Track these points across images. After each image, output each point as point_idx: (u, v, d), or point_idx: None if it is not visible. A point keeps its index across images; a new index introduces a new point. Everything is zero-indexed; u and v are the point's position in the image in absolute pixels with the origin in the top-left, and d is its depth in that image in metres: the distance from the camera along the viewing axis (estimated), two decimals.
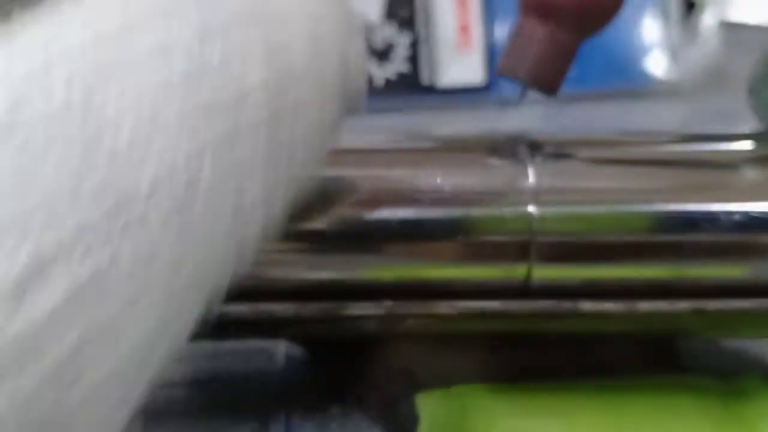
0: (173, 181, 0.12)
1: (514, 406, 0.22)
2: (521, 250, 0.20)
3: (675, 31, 0.40)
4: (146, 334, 0.12)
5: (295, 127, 0.15)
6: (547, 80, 0.21)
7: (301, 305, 0.20)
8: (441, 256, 0.20)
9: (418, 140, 0.22)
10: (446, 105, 0.39)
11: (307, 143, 0.15)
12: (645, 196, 0.20)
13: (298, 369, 0.24)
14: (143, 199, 0.12)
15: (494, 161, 0.20)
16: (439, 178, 0.20)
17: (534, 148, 0.21)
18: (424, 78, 0.39)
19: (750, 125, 0.23)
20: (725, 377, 0.23)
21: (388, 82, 0.39)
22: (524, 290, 0.20)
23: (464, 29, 0.39)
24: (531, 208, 0.20)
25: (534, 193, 0.20)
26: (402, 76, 0.39)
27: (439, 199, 0.20)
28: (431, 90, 0.39)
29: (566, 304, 0.20)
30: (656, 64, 0.40)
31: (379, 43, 0.39)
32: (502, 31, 0.40)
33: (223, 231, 0.13)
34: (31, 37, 0.12)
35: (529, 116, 0.39)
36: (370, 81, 0.39)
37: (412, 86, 0.39)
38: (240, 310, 0.20)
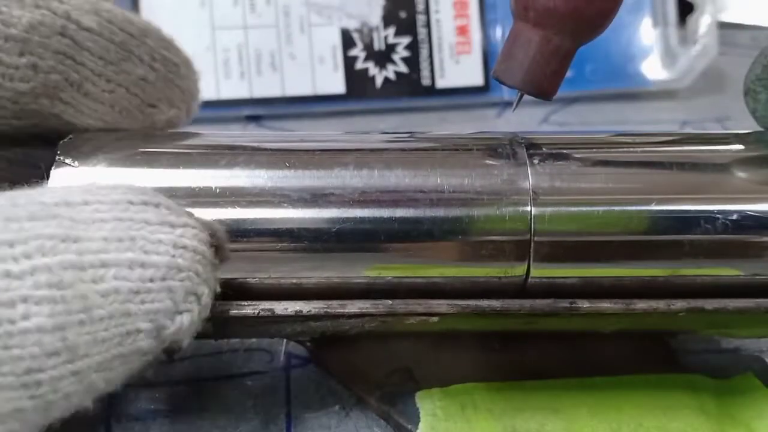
0: None
1: (513, 404, 0.22)
2: (520, 250, 0.20)
3: (672, 32, 0.40)
4: None
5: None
6: (542, 85, 0.21)
7: (302, 304, 0.20)
8: (440, 256, 0.20)
9: (417, 141, 0.22)
10: (445, 106, 0.39)
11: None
12: (642, 197, 0.20)
13: (298, 368, 0.24)
14: None
15: (493, 161, 0.21)
16: (439, 178, 0.20)
17: (532, 148, 0.21)
18: (424, 79, 0.39)
19: (746, 126, 0.23)
20: (721, 375, 0.24)
21: (387, 82, 0.39)
22: (522, 290, 0.21)
23: (463, 30, 0.39)
24: (529, 209, 0.20)
25: (532, 194, 0.20)
26: (401, 77, 0.39)
27: (438, 199, 0.20)
28: (431, 91, 0.39)
29: (564, 304, 0.20)
30: (653, 66, 0.40)
31: (378, 44, 0.39)
32: (500, 33, 0.40)
33: None
34: None
35: (528, 117, 0.39)
36: (371, 81, 0.39)
37: (411, 87, 0.39)
38: (242, 310, 0.20)
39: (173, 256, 0.17)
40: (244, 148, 0.21)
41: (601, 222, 0.20)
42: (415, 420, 0.22)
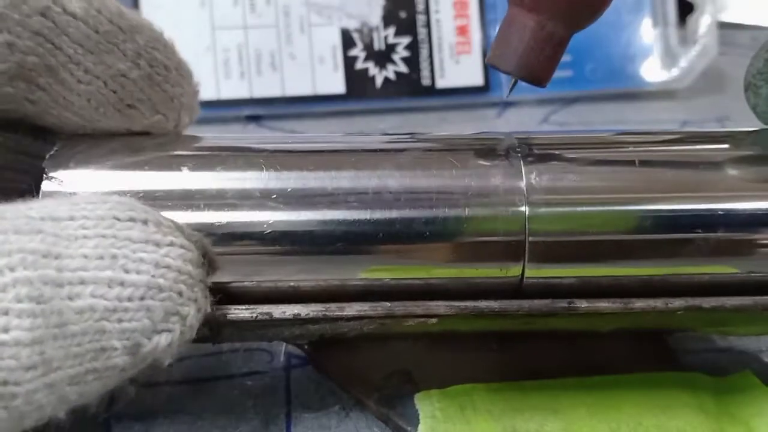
0: None
1: (512, 405, 0.22)
2: (515, 251, 0.20)
3: (672, 32, 0.40)
4: None
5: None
6: (536, 71, 0.21)
7: (300, 307, 0.20)
8: (436, 257, 0.20)
9: (413, 142, 0.22)
10: (445, 106, 0.39)
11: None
12: (637, 196, 0.20)
13: (298, 369, 0.24)
14: None
15: (488, 162, 0.21)
16: (434, 179, 0.20)
17: (527, 148, 0.21)
18: (424, 79, 0.39)
19: (745, 125, 0.23)
20: (719, 374, 0.24)
21: (387, 82, 0.39)
22: (518, 290, 0.21)
23: (463, 30, 0.39)
24: (524, 209, 0.20)
25: (527, 194, 0.20)
26: (401, 77, 0.39)
27: (433, 200, 0.20)
28: (431, 91, 0.39)
29: (562, 304, 0.20)
30: (653, 66, 0.40)
31: (378, 44, 0.39)
32: None
33: None
34: None
35: (528, 117, 0.39)
36: (371, 81, 0.39)
37: (411, 87, 0.39)
38: (240, 314, 0.20)
39: (153, 275, 0.17)
40: (239, 150, 0.21)
41: (596, 221, 0.20)
42: (415, 422, 0.22)
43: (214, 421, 0.22)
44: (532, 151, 0.21)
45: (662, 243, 0.20)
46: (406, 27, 0.39)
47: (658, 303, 0.20)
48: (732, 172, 0.21)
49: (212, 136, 0.22)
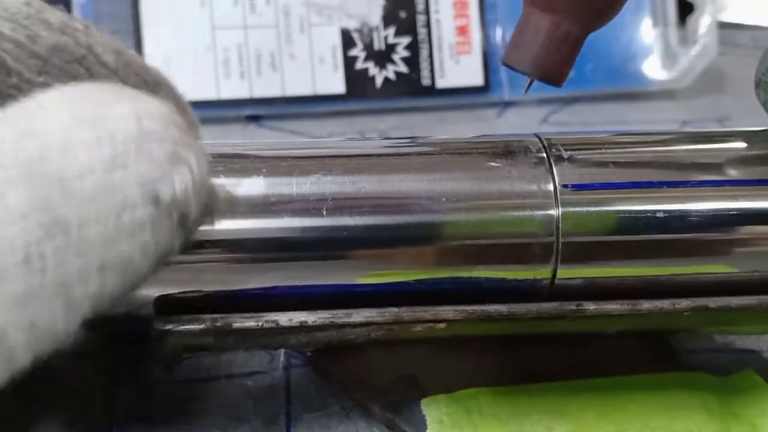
0: None
1: (520, 409, 0.22)
2: (546, 252, 0.20)
3: (672, 32, 0.40)
4: None
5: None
6: (552, 71, 0.21)
7: (306, 314, 0.20)
8: (464, 259, 0.20)
9: (437, 145, 0.22)
10: (445, 106, 0.39)
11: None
12: (665, 195, 0.20)
13: (298, 369, 0.24)
14: None
15: (516, 164, 0.20)
16: (462, 183, 0.20)
17: (554, 149, 0.21)
18: (424, 79, 0.39)
19: (745, 125, 0.23)
20: (721, 373, 0.24)
21: (387, 82, 0.39)
22: (550, 292, 0.20)
23: (463, 30, 0.39)
24: (555, 210, 0.20)
25: (556, 195, 0.20)
26: (401, 77, 0.39)
27: (462, 203, 0.20)
28: (431, 91, 0.39)
29: (571, 306, 0.20)
30: (653, 66, 0.40)
31: (378, 44, 0.39)
32: (500, 33, 0.40)
33: None
34: None
35: (528, 117, 0.39)
36: (371, 81, 0.39)
37: (411, 87, 0.39)
38: (245, 322, 0.19)
39: (141, 123, 0.17)
40: (245, 156, 0.20)
41: (626, 222, 0.20)
42: (422, 428, 0.22)
43: (214, 421, 0.22)
44: (560, 152, 0.21)
45: (688, 242, 0.20)
46: (406, 27, 0.39)
47: (665, 304, 0.20)
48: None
49: (212, 142, 0.22)
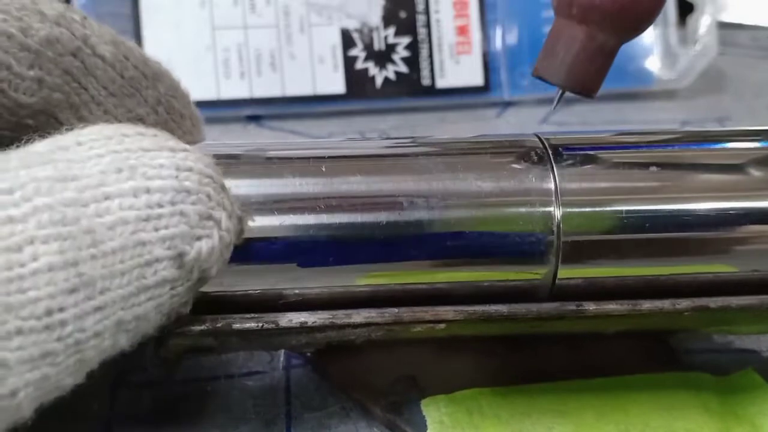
0: None
1: (520, 409, 0.22)
2: (547, 252, 0.20)
3: (672, 32, 0.40)
4: None
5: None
6: (586, 83, 0.21)
7: (306, 315, 0.19)
8: (465, 260, 0.20)
9: (439, 145, 0.22)
10: (445, 106, 0.39)
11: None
12: (667, 196, 0.20)
13: (298, 369, 0.24)
14: None
15: (517, 163, 0.20)
16: (462, 182, 0.20)
17: (555, 149, 0.21)
18: (424, 79, 0.39)
19: (745, 125, 0.23)
20: (721, 373, 0.24)
21: (387, 82, 0.39)
22: (551, 292, 0.20)
23: (463, 30, 0.39)
24: (554, 209, 0.20)
25: (557, 195, 0.20)
26: (401, 77, 0.39)
27: (463, 202, 0.20)
28: (431, 91, 0.39)
29: (571, 306, 0.20)
30: (653, 66, 0.40)
31: (378, 44, 0.39)
32: (500, 33, 0.40)
33: None
34: None
35: (528, 117, 0.39)
36: (371, 81, 0.39)
37: (411, 87, 0.39)
38: (245, 323, 0.19)
39: (178, 178, 0.16)
40: (247, 157, 0.20)
41: (627, 222, 0.20)
42: (422, 428, 0.21)
43: (214, 421, 0.22)
44: (560, 152, 0.21)
45: (690, 241, 0.20)
46: (406, 27, 0.39)
47: (665, 304, 0.20)
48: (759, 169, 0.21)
49: (211, 142, 0.22)
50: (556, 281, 0.20)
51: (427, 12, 0.39)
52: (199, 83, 0.37)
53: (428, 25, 0.39)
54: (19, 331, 0.14)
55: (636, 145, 0.22)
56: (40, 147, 0.16)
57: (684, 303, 0.20)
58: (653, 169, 0.21)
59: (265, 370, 0.24)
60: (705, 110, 0.39)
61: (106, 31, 0.20)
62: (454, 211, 0.20)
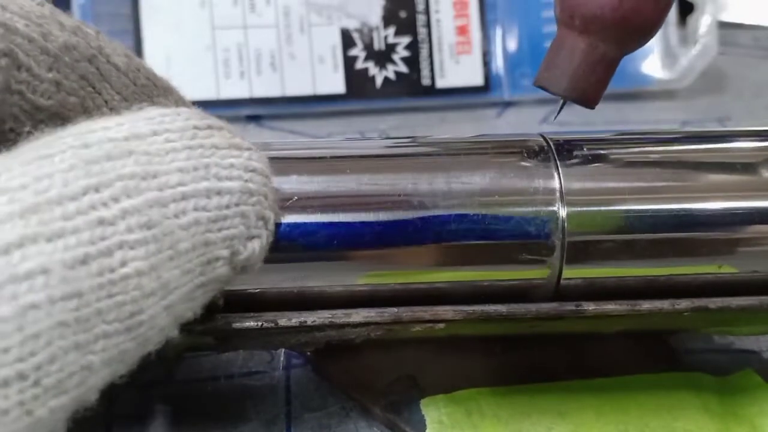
0: None
1: (520, 409, 0.22)
2: (551, 252, 0.20)
3: (672, 32, 0.40)
4: None
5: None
6: (587, 93, 0.21)
7: (306, 314, 0.19)
8: (469, 259, 0.20)
9: (443, 144, 0.22)
10: (445, 106, 0.39)
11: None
12: (672, 195, 0.20)
13: (298, 369, 0.24)
14: None
15: (521, 162, 0.20)
16: (467, 181, 0.20)
17: (560, 148, 0.21)
18: (424, 79, 0.39)
19: (745, 125, 0.23)
20: (721, 373, 0.24)
21: (387, 82, 0.39)
22: (555, 292, 0.20)
23: (463, 30, 0.39)
24: (561, 209, 0.20)
25: (561, 194, 0.20)
26: (401, 77, 0.39)
27: (467, 201, 0.20)
28: (430, 91, 0.39)
29: (570, 306, 0.20)
30: (653, 66, 0.40)
31: (378, 44, 0.39)
32: (500, 33, 0.40)
33: None
34: None
35: (528, 117, 0.39)
36: (371, 81, 0.39)
37: (411, 87, 0.39)
38: (245, 322, 0.19)
39: (245, 180, 0.17)
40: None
41: (632, 222, 0.20)
42: (422, 428, 0.22)
43: (214, 421, 0.22)
44: (565, 152, 0.21)
45: (694, 241, 0.20)
46: (406, 27, 0.39)
47: (664, 304, 0.20)
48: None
49: None
50: (561, 281, 0.20)
51: (427, 12, 0.39)
52: (199, 83, 0.37)
53: (428, 25, 0.39)
54: (105, 335, 0.14)
55: (641, 145, 0.22)
56: (115, 132, 0.15)
57: (683, 303, 0.20)
58: (656, 170, 0.21)
59: (265, 370, 0.24)
60: (705, 110, 0.39)
61: (118, 45, 0.20)
62: (458, 210, 0.20)
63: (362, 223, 0.19)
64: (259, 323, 0.19)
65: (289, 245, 0.19)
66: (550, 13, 0.32)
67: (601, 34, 0.20)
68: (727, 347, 0.25)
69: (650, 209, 0.20)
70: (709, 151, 0.22)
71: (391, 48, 0.39)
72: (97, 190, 0.14)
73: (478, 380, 0.23)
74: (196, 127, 0.17)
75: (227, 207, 0.16)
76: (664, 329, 0.24)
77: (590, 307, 0.20)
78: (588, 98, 0.21)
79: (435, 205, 0.20)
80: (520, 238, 0.20)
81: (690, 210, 0.20)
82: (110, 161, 0.15)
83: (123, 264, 0.14)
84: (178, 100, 0.22)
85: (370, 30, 0.39)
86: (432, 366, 0.23)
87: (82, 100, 0.20)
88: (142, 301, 0.14)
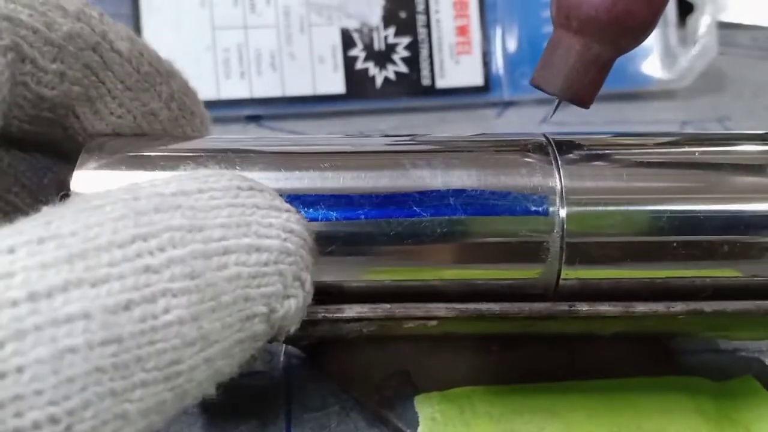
0: None
1: (512, 408, 0.22)
2: (550, 252, 0.20)
3: (672, 32, 0.40)
4: None
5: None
6: (581, 93, 0.21)
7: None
8: (468, 258, 0.20)
9: (442, 143, 0.22)
10: (445, 106, 0.39)
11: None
12: (673, 197, 0.20)
13: (298, 368, 0.24)
14: None
15: (522, 162, 0.20)
16: (467, 179, 0.20)
17: (561, 148, 0.21)
18: (424, 79, 0.39)
19: (745, 126, 0.23)
20: (719, 377, 0.24)
21: (387, 82, 0.39)
22: (555, 292, 0.20)
23: (463, 30, 0.39)
24: (561, 209, 0.20)
25: (562, 194, 0.20)
26: (401, 77, 0.39)
27: (469, 200, 0.20)
28: (430, 91, 0.39)
29: (563, 307, 0.20)
30: (653, 66, 0.40)
31: (378, 44, 0.39)
32: (500, 33, 0.40)
33: None
34: None
35: (528, 117, 0.39)
36: (371, 81, 0.39)
37: (411, 87, 0.39)
38: None
39: (284, 239, 0.17)
40: (251, 150, 0.20)
41: (632, 222, 0.20)
42: (414, 424, 0.22)
43: (214, 421, 0.22)
44: (567, 152, 0.21)
45: (697, 244, 0.20)
46: (406, 27, 0.39)
47: (659, 306, 0.20)
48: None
49: (211, 137, 0.22)
50: (560, 281, 0.20)
51: (427, 12, 0.39)
52: (199, 83, 0.37)
53: (428, 25, 0.39)
54: (144, 384, 0.14)
55: (642, 146, 0.22)
56: (162, 188, 0.16)
57: (678, 306, 0.20)
58: (658, 171, 0.21)
59: (265, 370, 0.24)
60: (705, 110, 0.39)
61: (122, 28, 0.20)
62: (456, 208, 0.20)
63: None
64: None
65: None
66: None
67: (595, 35, 0.20)
68: (726, 349, 0.25)
69: (651, 210, 0.20)
70: (710, 153, 0.22)
71: (391, 48, 0.39)
72: (144, 239, 0.15)
73: (473, 378, 0.23)
74: (239, 188, 0.17)
75: (266, 264, 0.17)
76: (662, 332, 0.24)
77: (584, 307, 0.20)
78: (582, 98, 0.21)
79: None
80: (519, 237, 0.20)
81: (691, 211, 0.20)
82: (158, 213, 0.15)
83: (166, 311, 0.14)
84: (182, 84, 0.22)
85: (370, 30, 0.39)
86: (426, 363, 0.23)
87: (85, 89, 0.20)
88: (183, 350, 0.14)
